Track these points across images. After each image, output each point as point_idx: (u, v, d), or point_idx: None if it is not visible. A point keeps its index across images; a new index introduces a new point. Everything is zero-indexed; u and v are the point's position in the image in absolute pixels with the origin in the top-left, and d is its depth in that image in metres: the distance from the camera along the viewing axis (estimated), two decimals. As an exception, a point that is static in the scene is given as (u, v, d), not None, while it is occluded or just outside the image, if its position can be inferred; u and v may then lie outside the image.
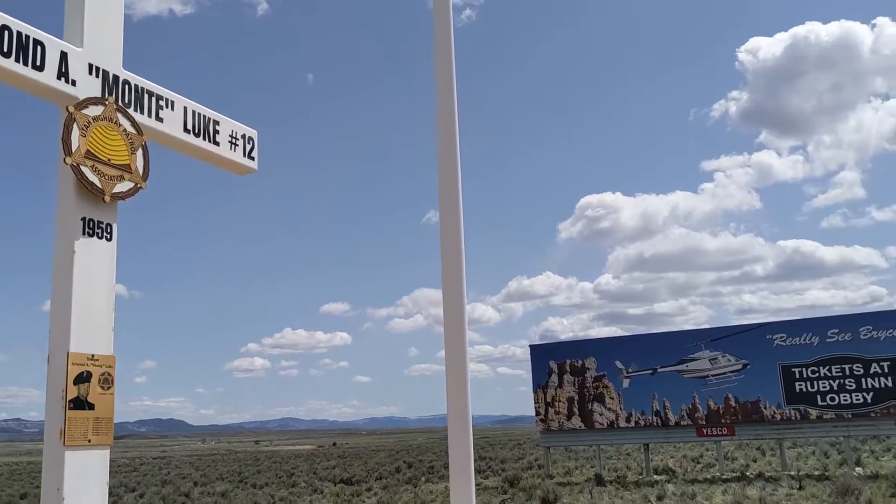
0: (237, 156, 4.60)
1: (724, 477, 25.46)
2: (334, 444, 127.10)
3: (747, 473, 26.25)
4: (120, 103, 3.87)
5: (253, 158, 4.73)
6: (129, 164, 3.84)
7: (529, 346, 30.31)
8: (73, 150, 3.55)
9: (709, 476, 26.34)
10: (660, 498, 20.39)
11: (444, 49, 4.42)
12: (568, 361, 29.44)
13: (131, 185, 3.84)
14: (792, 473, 24.64)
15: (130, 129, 3.89)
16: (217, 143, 4.46)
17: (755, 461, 32.33)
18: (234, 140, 4.58)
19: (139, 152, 3.91)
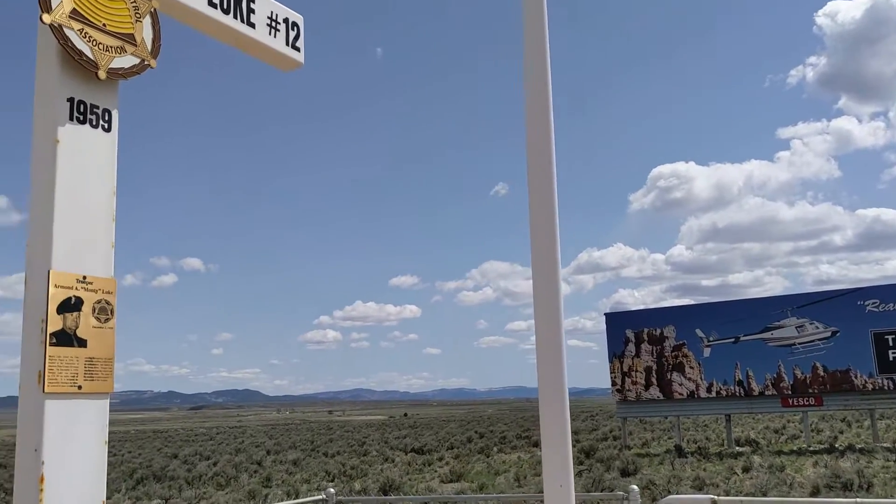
0: (278, 43, 3.70)
1: (812, 449, 24.04)
2: (405, 414, 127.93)
3: (836, 445, 24.74)
4: (120, -44, 3.00)
5: (298, 49, 3.82)
6: (132, 34, 2.97)
7: (605, 314, 29.14)
8: (54, 6, 2.69)
9: (795, 448, 24.94)
10: (746, 470, 19.20)
11: (536, 8, 3.56)
12: (645, 330, 28.19)
13: (136, 60, 2.97)
14: (886, 445, 23.07)
15: (135, -10, 3.02)
16: (252, 25, 3.55)
17: (842, 433, 30.66)
18: (273, 23, 3.68)
19: (146, 20, 3.04)
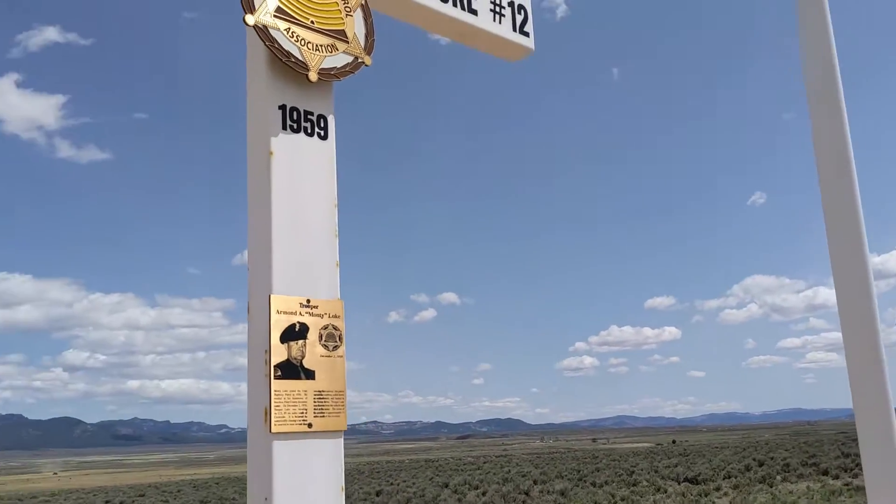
0: (504, 30, 3.29)
1: None
2: (673, 441, 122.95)
3: None
4: (325, -52, 2.73)
5: (527, 34, 3.39)
6: (342, 30, 2.69)
7: (897, 322, 25.80)
8: (258, 6, 2.47)
9: None
10: None
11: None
12: (950, 338, 24.58)
13: (349, 59, 2.68)
14: None
15: (343, -17, 2.74)
16: (473, 12, 3.17)
17: None
18: (497, 7, 3.27)
19: (357, 14, 2.75)
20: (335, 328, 2.48)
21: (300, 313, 2.40)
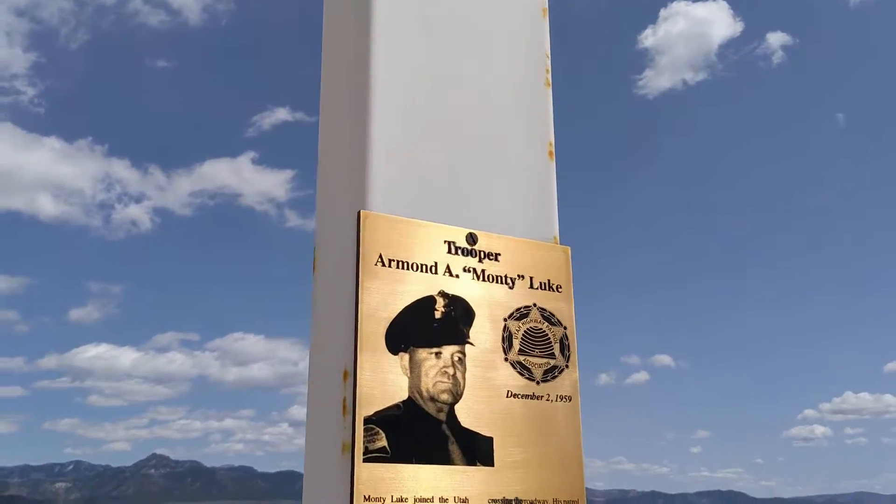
0: None
1: None
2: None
3: None
4: None
5: None
6: None
7: None
8: None
9: None
10: None
11: None
12: None
13: None
14: None
15: None
16: None
17: None
18: None
19: None
20: (551, 319, 0.89)
21: (449, 271, 0.84)
